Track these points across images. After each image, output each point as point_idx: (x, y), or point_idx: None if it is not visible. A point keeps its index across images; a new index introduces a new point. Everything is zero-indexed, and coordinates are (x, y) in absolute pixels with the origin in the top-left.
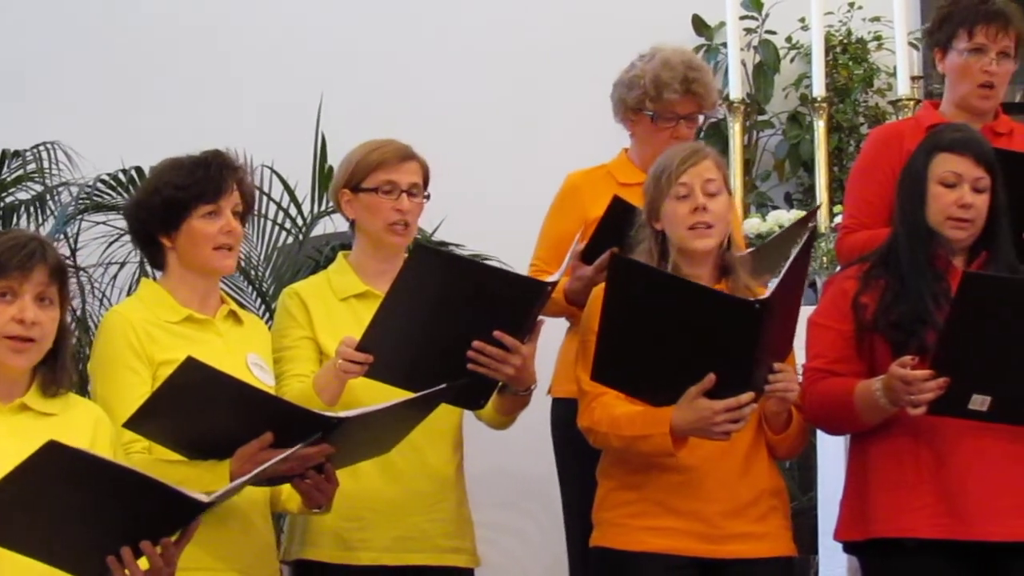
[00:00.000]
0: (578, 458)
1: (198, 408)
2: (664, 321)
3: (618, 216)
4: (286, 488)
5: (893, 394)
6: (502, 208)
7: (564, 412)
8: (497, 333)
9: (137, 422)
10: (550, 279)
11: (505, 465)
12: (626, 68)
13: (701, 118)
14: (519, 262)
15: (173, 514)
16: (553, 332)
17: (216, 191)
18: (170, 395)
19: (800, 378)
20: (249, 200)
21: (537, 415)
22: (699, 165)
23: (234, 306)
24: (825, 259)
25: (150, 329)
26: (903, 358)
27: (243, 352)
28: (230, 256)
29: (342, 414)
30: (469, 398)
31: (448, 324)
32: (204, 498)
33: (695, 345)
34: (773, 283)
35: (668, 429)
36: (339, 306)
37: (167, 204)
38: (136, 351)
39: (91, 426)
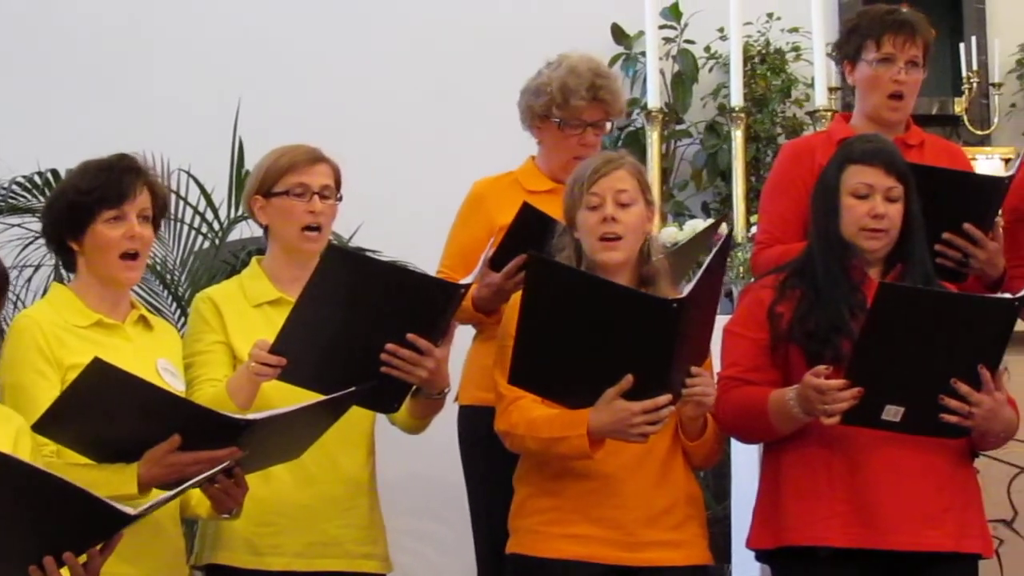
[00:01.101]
0: (486, 465)
1: (106, 411)
2: (581, 322)
3: (528, 223)
4: (196, 493)
5: (807, 403)
6: (420, 213)
7: (472, 419)
8: (410, 336)
9: (45, 425)
10: (465, 280)
11: (419, 471)
12: (533, 76)
13: (609, 125)
14: (432, 269)
15: (98, 525)
16: (460, 340)
17: (119, 196)
18: (77, 398)
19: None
20: (161, 204)
21: (452, 421)
22: (612, 175)
23: (144, 311)
24: (741, 269)
25: (59, 333)
26: (817, 367)
27: (153, 357)
28: (135, 268)
29: (251, 416)
30: (382, 401)
31: (361, 327)
32: (131, 511)
33: (613, 346)
34: (689, 286)
35: (585, 431)
36: (252, 312)
37: (72, 208)
38: (45, 355)
39: (12, 435)
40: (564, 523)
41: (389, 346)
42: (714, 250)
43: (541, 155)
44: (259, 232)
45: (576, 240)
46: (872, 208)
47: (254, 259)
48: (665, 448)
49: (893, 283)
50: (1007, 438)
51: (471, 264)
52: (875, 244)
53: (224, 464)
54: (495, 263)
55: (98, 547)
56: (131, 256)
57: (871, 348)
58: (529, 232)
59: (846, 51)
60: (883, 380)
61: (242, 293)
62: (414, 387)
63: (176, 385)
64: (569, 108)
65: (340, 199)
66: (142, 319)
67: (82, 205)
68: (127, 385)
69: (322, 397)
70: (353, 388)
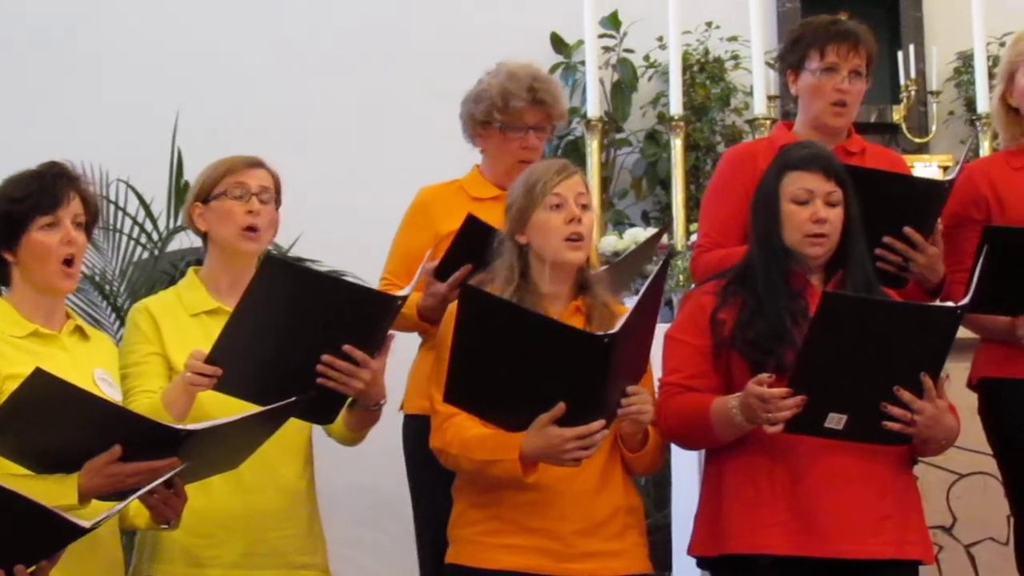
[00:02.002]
0: (430, 474)
1: (46, 421)
2: (514, 350)
3: (472, 234)
4: (134, 503)
5: (750, 411)
6: (359, 224)
7: (416, 428)
8: (346, 347)
9: None
10: (400, 293)
11: (359, 481)
12: (474, 85)
13: (551, 129)
14: (377, 278)
15: (51, 537)
16: (406, 348)
17: (53, 202)
18: (17, 408)
19: (656, 395)
20: (93, 210)
21: (391, 432)
22: (572, 178)
23: (80, 321)
24: (681, 277)
25: None
26: (760, 375)
27: (90, 367)
28: (71, 277)
29: (191, 427)
30: (318, 412)
31: (298, 337)
32: (85, 523)
33: (545, 375)
34: (622, 320)
35: (517, 455)
36: (189, 322)
37: (5, 218)
38: None
39: None
40: (502, 534)
41: (325, 357)
42: (651, 276)
43: (485, 163)
44: (198, 243)
45: (519, 245)
46: (814, 213)
47: (191, 269)
48: (604, 458)
49: (836, 292)
50: (948, 445)
51: (415, 271)
52: (818, 250)
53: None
54: (440, 273)
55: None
56: (68, 262)
57: (814, 356)
58: (473, 243)
59: (790, 60)
60: (826, 388)
61: (179, 303)
62: (350, 399)
63: (113, 395)
64: (509, 111)
65: (279, 204)
66: (78, 329)
67: (15, 214)
68: (68, 396)
69: (259, 408)
70: (292, 399)
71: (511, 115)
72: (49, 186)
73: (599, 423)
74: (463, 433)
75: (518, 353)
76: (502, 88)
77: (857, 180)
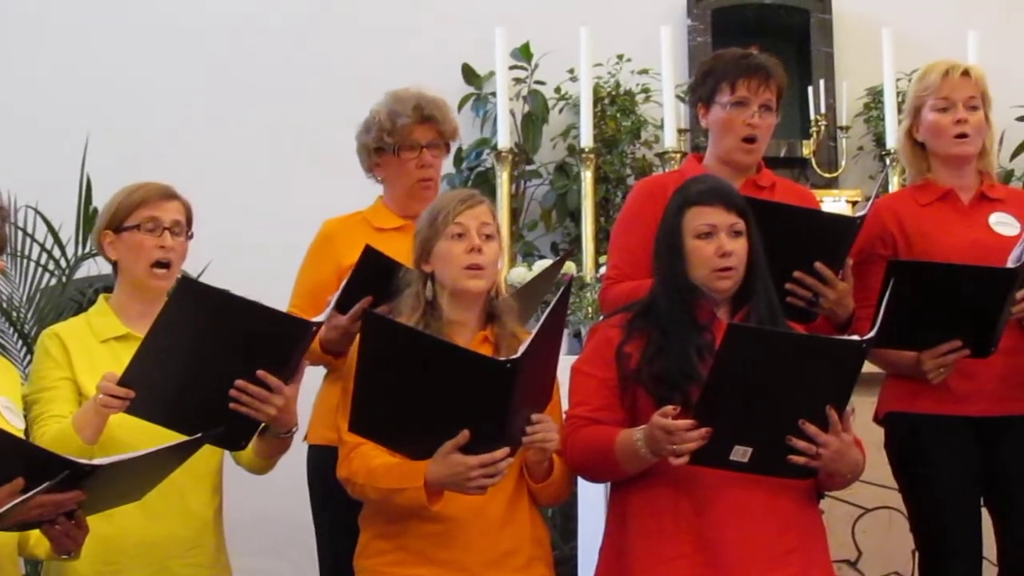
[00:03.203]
0: (334, 504)
1: None
2: (417, 377)
3: (370, 265)
4: (35, 533)
5: (655, 444)
6: (269, 253)
7: (320, 459)
8: (260, 372)
9: None
10: (316, 319)
11: (267, 511)
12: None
13: (446, 149)
14: (285, 307)
15: None
16: (310, 379)
17: None
18: None
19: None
20: (1, 238)
21: (299, 461)
22: (476, 208)
23: None
24: (590, 309)
25: None
26: (665, 408)
27: None
28: None
29: (95, 461)
30: (230, 438)
31: (211, 361)
32: None
33: (449, 401)
34: (524, 344)
35: (422, 483)
36: (99, 348)
37: None
38: None
39: None
40: (407, 564)
41: (238, 382)
42: (552, 303)
43: (387, 193)
44: (107, 269)
45: (425, 275)
46: (719, 247)
47: (101, 296)
48: (510, 489)
49: (741, 324)
50: (854, 479)
51: (320, 303)
52: (727, 283)
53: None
54: (341, 305)
55: None
56: None
57: (719, 388)
58: (372, 274)
59: (700, 94)
60: (731, 420)
61: (89, 329)
62: (262, 425)
63: (16, 423)
64: (398, 131)
65: (191, 237)
66: None
67: None
68: None
69: (171, 436)
70: (199, 435)
71: (401, 134)
72: None
73: (503, 451)
74: (369, 462)
75: (421, 380)
76: (388, 110)
77: (768, 215)
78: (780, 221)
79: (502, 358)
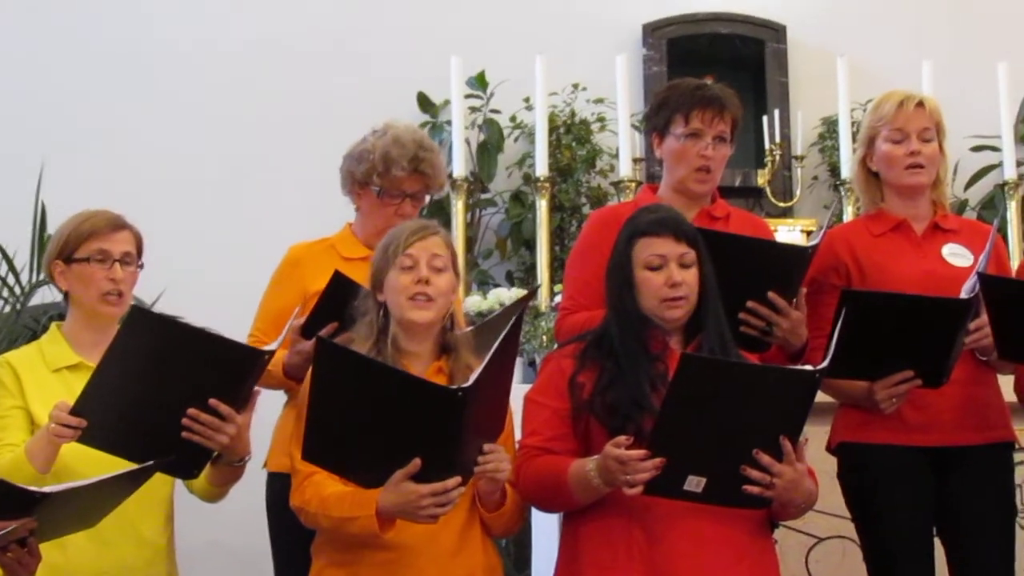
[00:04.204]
0: (292, 533)
1: None
2: (370, 405)
3: (339, 291)
4: None
5: (608, 474)
6: (222, 281)
7: (279, 486)
8: (212, 401)
9: None
10: (267, 348)
11: (220, 539)
12: (358, 141)
13: (428, 198)
14: (240, 335)
15: None
16: (270, 405)
17: None
18: None
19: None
20: None
21: (253, 489)
22: (428, 240)
23: None
24: (545, 338)
25: None
26: (617, 438)
27: None
28: None
29: (47, 489)
30: (182, 467)
31: (164, 390)
32: None
33: (401, 429)
34: (476, 372)
35: (374, 511)
36: (51, 377)
37: None
38: None
39: None
40: None
41: (191, 411)
42: (503, 332)
43: (358, 222)
44: (61, 296)
45: (381, 303)
46: (669, 277)
47: (54, 324)
48: (462, 518)
49: (694, 354)
50: (807, 509)
51: (284, 328)
52: (677, 312)
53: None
54: (306, 330)
55: None
56: None
57: (673, 418)
58: (340, 300)
59: (655, 123)
60: (685, 450)
61: (41, 358)
62: (215, 454)
63: None
64: (390, 178)
65: (141, 266)
66: None
67: None
68: None
69: (123, 464)
70: (151, 462)
71: (390, 181)
72: None
73: (455, 480)
74: (322, 491)
75: (373, 407)
76: (385, 153)
77: (721, 245)
78: (732, 251)
79: (453, 386)
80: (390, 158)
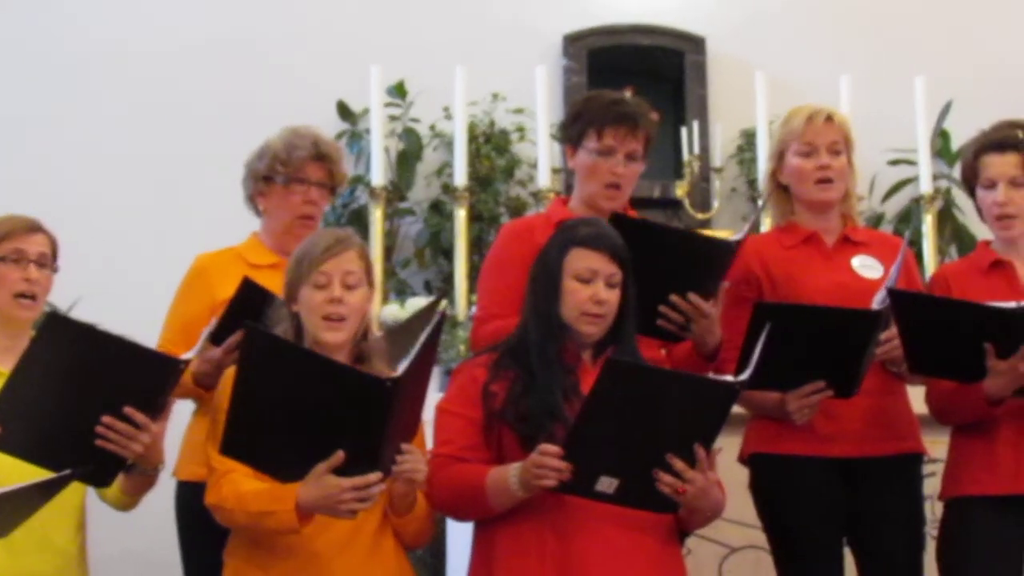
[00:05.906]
0: (202, 542)
1: None
2: (295, 395)
3: (248, 298)
4: None
5: (527, 475)
6: (139, 288)
7: (189, 494)
8: (127, 409)
9: None
10: (184, 356)
11: (131, 547)
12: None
13: (332, 193)
14: (156, 342)
15: None
16: (179, 413)
17: None
18: None
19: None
20: None
21: (165, 497)
22: (342, 256)
23: None
24: (462, 347)
25: None
26: (548, 446)
27: None
28: None
29: None
30: (95, 475)
31: (79, 397)
32: None
33: (326, 421)
34: (404, 364)
35: (293, 505)
36: None
37: None
38: None
39: None
40: None
41: (105, 419)
42: (428, 328)
43: (265, 228)
44: None
45: (295, 314)
46: (595, 293)
47: None
48: (375, 525)
49: (620, 359)
50: (714, 517)
51: (192, 339)
52: (593, 329)
53: None
54: (215, 338)
55: None
56: None
57: (591, 419)
58: (249, 307)
59: (569, 135)
60: (600, 451)
61: None
62: (128, 462)
63: None
64: (292, 163)
65: (56, 270)
66: None
67: None
68: None
69: (39, 472)
70: (67, 472)
71: (294, 166)
72: None
73: (376, 475)
74: (239, 488)
75: (299, 397)
76: (286, 142)
77: (646, 234)
78: (656, 241)
79: (383, 376)
80: (291, 144)
